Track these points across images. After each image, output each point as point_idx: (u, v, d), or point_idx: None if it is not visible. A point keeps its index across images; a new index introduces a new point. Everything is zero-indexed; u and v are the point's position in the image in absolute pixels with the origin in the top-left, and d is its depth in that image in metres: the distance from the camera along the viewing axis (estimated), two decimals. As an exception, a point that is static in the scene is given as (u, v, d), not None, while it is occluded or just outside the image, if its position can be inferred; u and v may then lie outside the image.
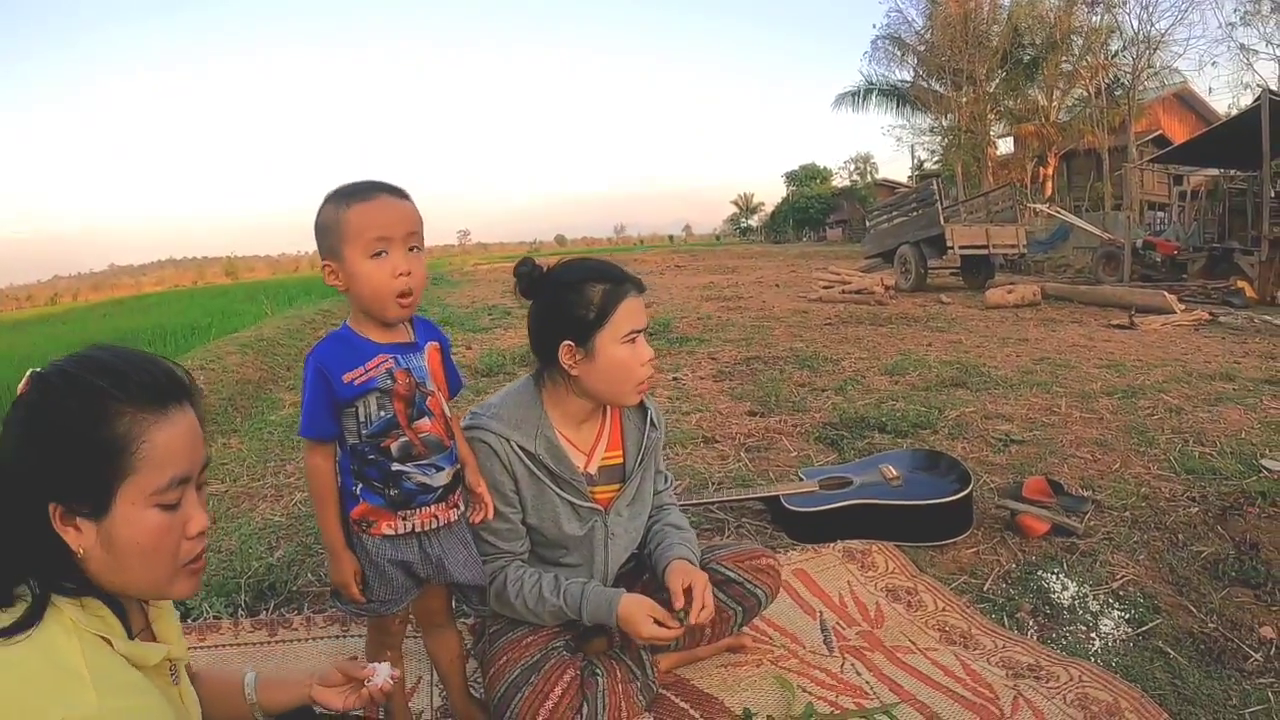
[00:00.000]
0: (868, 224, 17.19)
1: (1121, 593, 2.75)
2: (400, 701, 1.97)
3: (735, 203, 79.84)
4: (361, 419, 1.62)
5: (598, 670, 1.99)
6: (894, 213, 15.59)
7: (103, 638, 1.06)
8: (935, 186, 14.51)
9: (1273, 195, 11.93)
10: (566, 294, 1.90)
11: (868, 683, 2.24)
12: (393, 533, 1.69)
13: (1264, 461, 3.89)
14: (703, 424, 4.95)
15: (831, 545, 3.11)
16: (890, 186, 40.92)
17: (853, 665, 2.33)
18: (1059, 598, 2.72)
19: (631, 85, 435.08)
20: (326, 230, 1.60)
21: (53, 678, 0.98)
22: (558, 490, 1.96)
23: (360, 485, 1.67)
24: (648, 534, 2.19)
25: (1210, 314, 9.53)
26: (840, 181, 58.66)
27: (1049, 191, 27.99)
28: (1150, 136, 26.84)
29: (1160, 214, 16.01)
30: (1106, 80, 26.53)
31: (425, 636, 2.03)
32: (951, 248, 13.55)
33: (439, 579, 1.79)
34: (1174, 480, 3.74)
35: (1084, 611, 2.64)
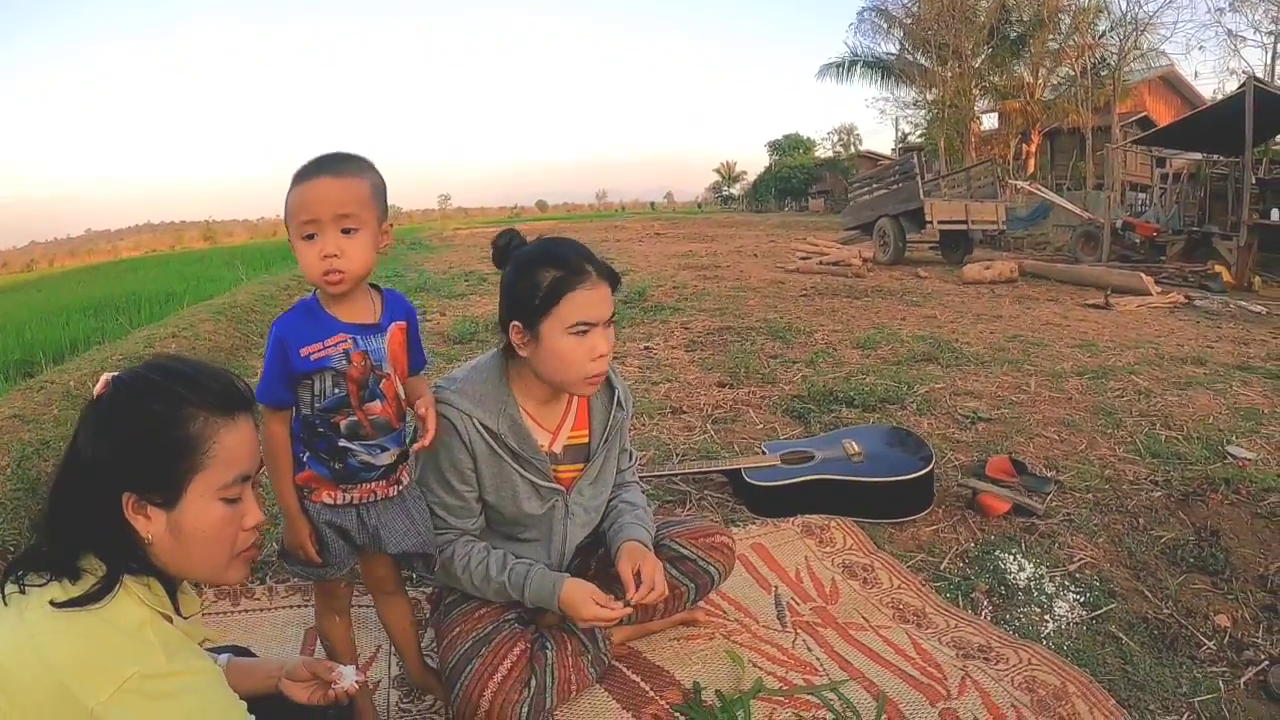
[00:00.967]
0: (848, 196, 17.12)
1: (1078, 575, 2.73)
2: (365, 702, 1.94)
3: (718, 171, 79.48)
4: (316, 392, 1.62)
5: (548, 644, 1.97)
6: (874, 185, 15.50)
7: (163, 614, 1.18)
8: (916, 160, 14.44)
9: (1254, 182, 11.95)
10: (518, 274, 1.85)
11: (818, 659, 2.22)
12: (332, 502, 1.71)
13: (1230, 448, 3.88)
14: (671, 395, 4.90)
15: (791, 520, 3.08)
16: (873, 159, 40.77)
17: (804, 641, 2.31)
18: (1015, 579, 2.70)
19: (615, 51, 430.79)
20: (284, 208, 1.62)
21: (125, 642, 1.10)
22: (519, 469, 1.93)
23: (308, 454, 1.68)
24: (606, 510, 2.16)
25: (1186, 297, 9.55)
26: (823, 152, 58.37)
27: (1031, 169, 27.95)
28: (1135, 118, 26.83)
29: (1141, 195, 15.98)
30: (1093, 60, 26.46)
31: (376, 604, 2.02)
32: (930, 222, 13.51)
33: (374, 548, 1.79)
34: (1139, 463, 3.73)
35: (1039, 593, 2.63)
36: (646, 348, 6.39)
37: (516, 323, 1.84)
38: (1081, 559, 2.83)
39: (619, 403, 2.08)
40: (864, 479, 3.15)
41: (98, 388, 1.21)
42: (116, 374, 1.23)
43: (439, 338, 6.80)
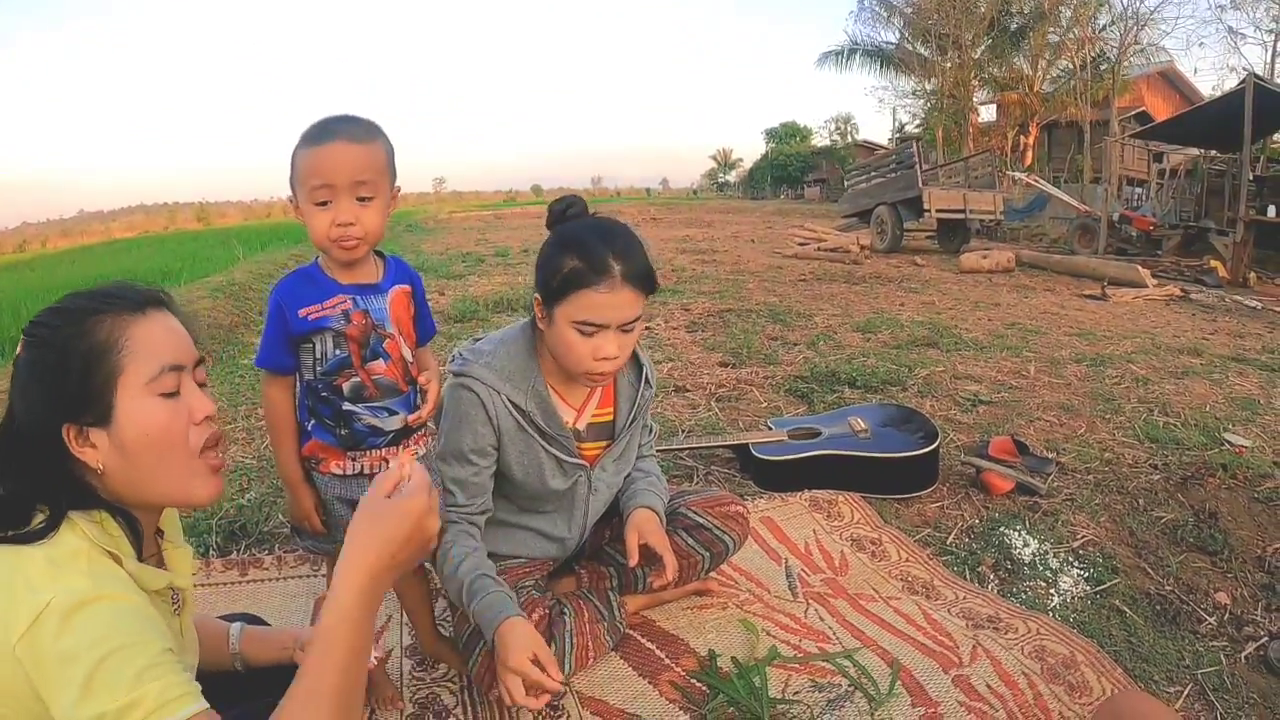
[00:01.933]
0: (846, 184, 17.13)
1: (1081, 552, 2.77)
2: (380, 674, 1.94)
3: (714, 158, 79.53)
4: (318, 355, 1.61)
5: (566, 610, 1.98)
6: (872, 173, 15.52)
7: (112, 554, 1.09)
8: (915, 149, 14.46)
9: (1250, 179, 12.00)
10: (549, 249, 1.78)
11: (830, 628, 2.25)
12: (341, 472, 1.69)
13: (1227, 435, 3.93)
14: (674, 373, 4.93)
15: (798, 494, 3.11)
16: (870, 148, 40.67)
17: (816, 611, 2.34)
18: (1020, 554, 2.74)
19: (612, 37, 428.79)
20: (291, 168, 1.58)
21: (50, 571, 1.01)
22: (545, 445, 1.90)
23: (313, 421, 1.67)
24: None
25: (1182, 290, 9.61)
26: (820, 141, 58.27)
27: (1029, 161, 27.96)
28: (1133, 113, 26.80)
29: (1138, 190, 16.01)
30: (1093, 54, 26.43)
31: None
32: (929, 211, 13.54)
33: None
34: (1137, 447, 3.77)
35: (1044, 568, 2.66)
36: (648, 328, 6.41)
37: (538, 295, 1.79)
38: (1084, 536, 2.87)
39: (646, 380, 2.06)
40: (871, 454, 3.19)
41: (18, 349, 1.15)
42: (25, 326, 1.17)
43: (439, 317, 6.75)
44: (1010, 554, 2.74)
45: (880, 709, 1.91)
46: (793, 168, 52.93)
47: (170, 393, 1.14)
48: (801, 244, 13.25)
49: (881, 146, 37.17)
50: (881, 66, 31.48)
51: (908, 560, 2.66)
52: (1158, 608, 2.46)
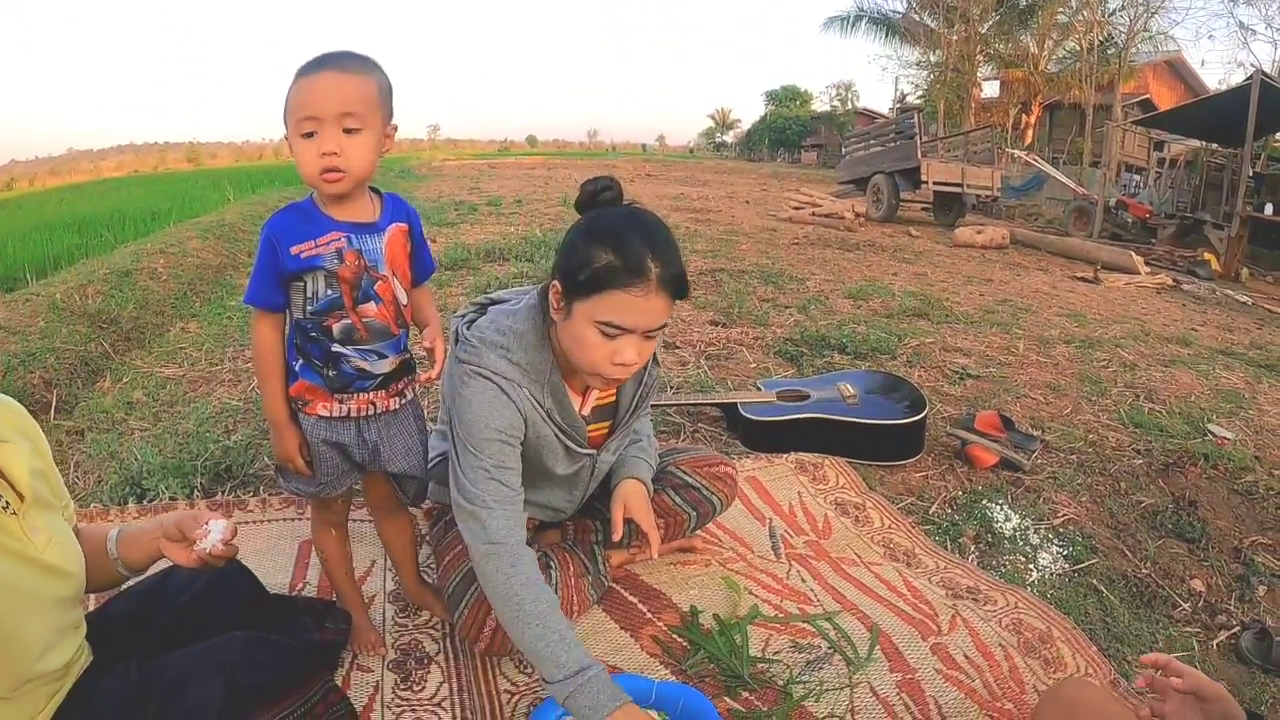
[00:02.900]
0: (844, 150, 17.00)
1: (1061, 530, 2.79)
2: (349, 585, 1.94)
3: (712, 117, 78.77)
4: (309, 294, 1.56)
5: (551, 563, 1.97)
6: (871, 141, 15.42)
7: None
8: (916, 119, 14.35)
9: (1250, 175, 12.01)
10: (579, 238, 1.64)
11: (812, 590, 2.25)
12: (328, 414, 1.65)
13: (1211, 426, 3.95)
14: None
15: (785, 456, 3.11)
16: (870, 116, 40.40)
17: (798, 572, 2.34)
18: (1001, 528, 2.75)
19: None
20: (285, 102, 1.52)
21: None
22: (560, 436, 1.82)
23: (301, 361, 1.62)
24: None
25: (1174, 280, 9.63)
26: (820, 106, 57.75)
27: (1029, 139, 27.82)
28: (1137, 100, 26.70)
29: (1136, 177, 15.98)
30: (1100, 37, 26.23)
31: (376, 522, 2.01)
32: (926, 182, 13.48)
33: (374, 466, 1.74)
34: (1122, 431, 3.79)
35: (1024, 543, 2.68)
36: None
37: (557, 284, 1.65)
38: (1065, 515, 2.88)
39: (654, 358, 1.96)
40: (859, 420, 3.18)
41: None
42: None
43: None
44: (992, 527, 2.75)
45: (858, 673, 1.92)
46: (791, 131, 52.51)
47: None
48: (796, 208, 13.15)
49: (882, 115, 36.93)
50: (887, 35, 31.13)
51: (890, 527, 2.67)
52: (1134, 590, 2.48)
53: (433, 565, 2.15)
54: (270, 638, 1.35)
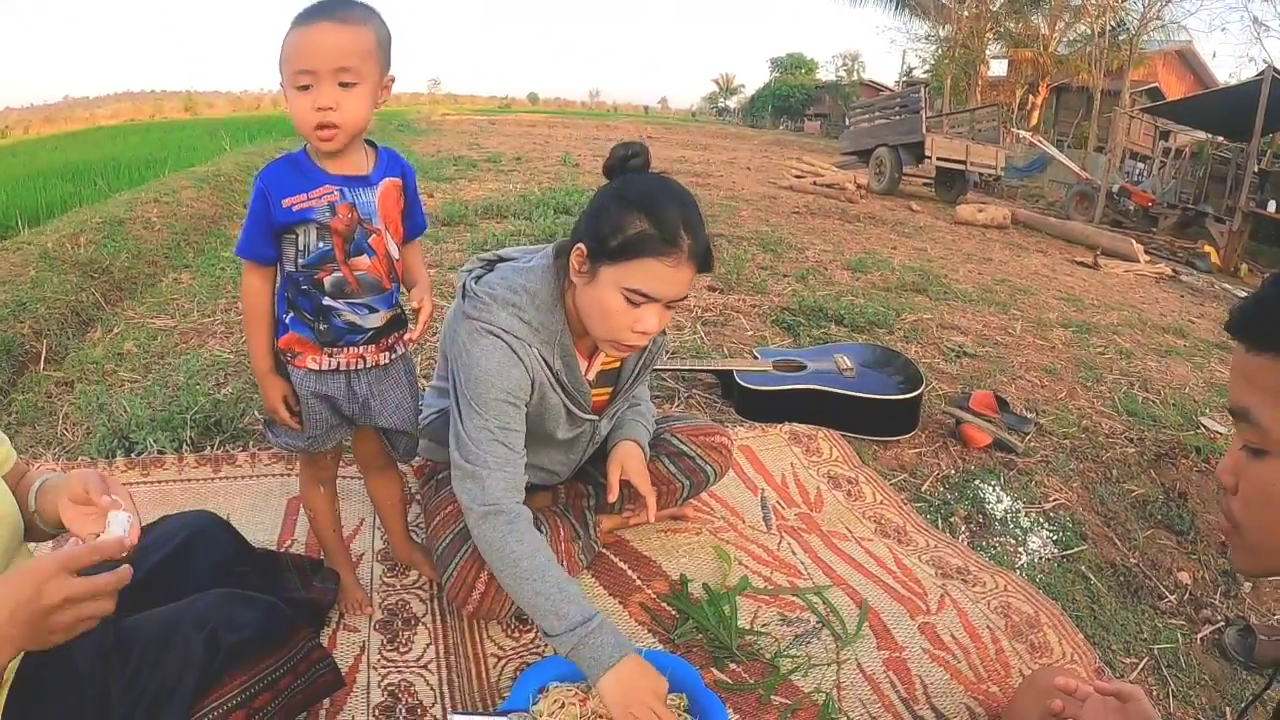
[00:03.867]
0: (848, 121, 16.85)
1: (1052, 515, 2.78)
2: (337, 543, 1.92)
3: (716, 81, 78.09)
4: (300, 247, 1.54)
5: (543, 527, 1.94)
6: (876, 114, 15.28)
7: None
8: (922, 94, 14.24)
9: (1255, 171, 11.97)
10: (611, 204, 1.60)
11: (802, 563, 2.24)
12: (317, 368, 1.63)
13: (1204, 419, 3.94)
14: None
15: (779, 426, 3.08)
16: (876, 88, 40.06)
17: (789, 544, 2.33)
18: (992, 509, 2.74)
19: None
20: (280, 50, 1.48)
21: None
22: (565, 400, 1.79)
23: (291, 314, 1.60)
24: None
25: (1173, 271, 9.62)
26: (825, 75, 57.23)
27: (1035, 121, 27.68)
28: (1145, 87, 26.53)
29: (1140, 165, 15.91)
30: (1112, 22, 26.01)
31: (365, 478, 1.98)
32: (929, 157, 13.39)
33: (363, 420, 1.72)
34: (1115, 419, 3.78)
35: (1015, 526, 2.67)
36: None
37: (582, 247, 1.61)
38: (1056, 500, 2.88)
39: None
40: (854, 394, 3.15)
41: None
42: None
43: (427, 219, 6.61)
44: (983, 508, 2.74)
45: (846, 648, 1.91)
46: (795, 99, 52.00)
47: None
48: (798, 176, 13.03)
49: (887, 88, 36.64)
50: (897, 7, 30.89)
51: (882, 503, 2.65)
52: (1121, 579, 2.48)
53: (422, 525, 2.13)
54: (253, 595, 1.32)
